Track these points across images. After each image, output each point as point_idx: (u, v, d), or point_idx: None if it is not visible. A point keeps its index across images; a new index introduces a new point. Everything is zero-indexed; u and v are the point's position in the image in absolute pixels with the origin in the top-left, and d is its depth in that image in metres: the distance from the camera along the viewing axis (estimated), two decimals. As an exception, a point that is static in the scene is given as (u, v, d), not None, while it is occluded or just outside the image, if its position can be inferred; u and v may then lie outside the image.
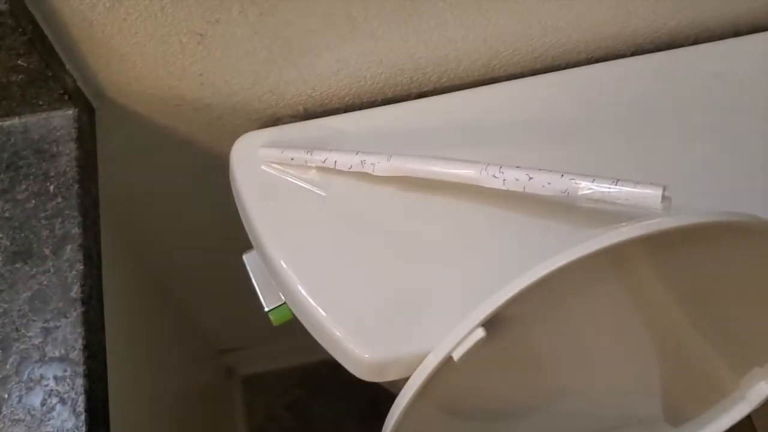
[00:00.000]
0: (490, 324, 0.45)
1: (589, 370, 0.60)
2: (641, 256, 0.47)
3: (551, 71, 0.58)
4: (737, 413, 0.68)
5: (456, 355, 0.46)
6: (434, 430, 0.59)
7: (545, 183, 0.44)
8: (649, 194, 0.40)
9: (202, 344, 1.05)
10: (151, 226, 0.74)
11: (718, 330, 0.60)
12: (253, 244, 0.56)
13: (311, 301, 0.51)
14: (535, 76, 0.58)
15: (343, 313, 0.50)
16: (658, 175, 0.43)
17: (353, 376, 0.54)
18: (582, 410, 0.66)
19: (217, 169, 0.58)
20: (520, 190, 0.45)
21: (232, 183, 0.56)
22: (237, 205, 0.56)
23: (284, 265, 0.52)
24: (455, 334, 0.45)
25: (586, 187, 0.42)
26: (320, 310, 0.50)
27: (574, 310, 0.50)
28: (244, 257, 0.59)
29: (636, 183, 0.41)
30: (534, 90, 0.58)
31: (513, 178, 0.45)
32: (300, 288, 0.51)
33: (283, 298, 0.57)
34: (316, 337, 0.52)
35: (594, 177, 0.42)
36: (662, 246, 0.45)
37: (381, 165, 0.49)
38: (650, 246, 0.45)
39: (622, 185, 0.41)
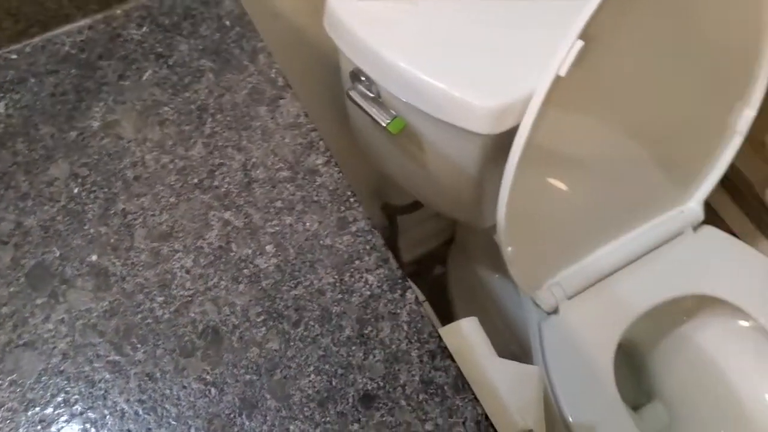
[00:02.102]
0: (586, 37, 0.60)
1: (638, 120, 0.76)
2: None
3: None
4: (733, 147, 0.87)
5: (563, 71, 0.61)
6: (539, 193, 0.73)
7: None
8: None
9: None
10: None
11: (706, 76, 0.78)
12: (364, 65, 0.69)
13: (435, 82, 0.65)
14: None
15: (460, 81, 0.65)
16: None
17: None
18: (632, 167, 0.82)
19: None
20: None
21: (333, 27, 0.69)
22: (344, 42, 0.69)
23: (405, 65, 0.66)
24: (560, 52, 0.61)
25: None
26: (442, 85, 0.65)
27: (630, 41, 0.66)
28: (350, 92, 0.72)
29: None
30: None
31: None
32: (422, 76, 0.65)
33: (393, 113, 0.70)
34: (441, 114, 0.66)
35: None
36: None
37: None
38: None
39: None
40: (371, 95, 0.71)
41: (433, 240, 1.36)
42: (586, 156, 0.74)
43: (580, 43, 0.60)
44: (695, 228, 0.93)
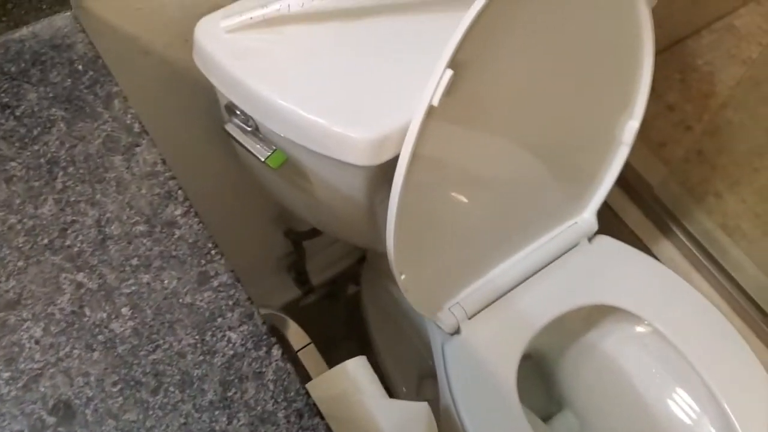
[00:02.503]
0: (455, 66, 0.60)
1: (524, 137, 0.76)
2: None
3: None
4: (620, 157, 0.88)
5: (435, 100, 0.60)
6: (425, 217, 0.72)
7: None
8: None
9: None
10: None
11: (588, 90, 0.79)
12: (237, 100, 0.67)
13: (311, 117, 0.63)
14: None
15: (337, 116, 0.63)
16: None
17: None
18: (523, 182, 0.83)
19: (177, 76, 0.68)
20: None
21: (202, 60, 0.67)
22: (214, 75, 0.67)
23: (280, 101, 0.64)
24: (430, 83, 0.60)
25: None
26: (320, 120, 0.63)
27: (504, 55, 0.65)
28: (226, 127, 0.70)
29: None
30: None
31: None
32: (299, 112, 0.63)
33: (272, 146, 0.68)
34: (319, 148, 0.64)
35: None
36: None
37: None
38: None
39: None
40: (248, 129, 0.69)
41: (346, 259, 1.34)
42: (475, 176, 0.74)
43: (449, 73, 0.59)
44: (590, 238, 0.94)
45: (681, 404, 0.93)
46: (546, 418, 1.07)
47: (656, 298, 0.91)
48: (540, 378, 1.07)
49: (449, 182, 0.73)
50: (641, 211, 1.32)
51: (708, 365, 0.87)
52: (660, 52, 1.52)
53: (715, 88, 1.50)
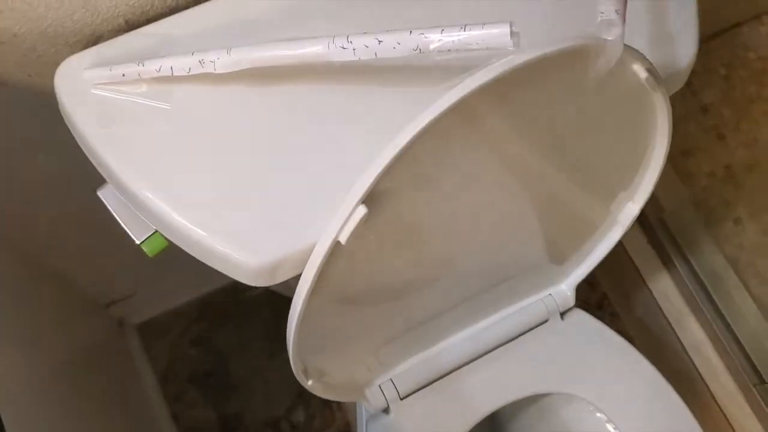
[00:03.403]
0: (370, 201, 0.44)
1: (474, 232, 0.61)
2: (490, 107, 0.47)
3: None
4: (613, 237, 0.73)
5: (343, 238, 0.45)
6: (336, 322, 0.59)
7: (395, 44, 0.42)
8: (497, 33, 0.39)
9: (84, 302, 1.00)
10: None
11: (580, 167, 0.62)
12: (106, 178, 0.52)
13: (187, 224, 0.48)
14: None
15: (220, 227, 0.48)
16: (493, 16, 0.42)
17: (250, 295, 0.52)
18: (475, 270, 0.68)
19: (47, 106, 0.53)
20: (372, 56, 0.43)
21: (64, 116, 0.51)
22: (77, 139, 0.51)
23: (149, 195, 0.48)
24: (338, 217, 0.44)
25: (436, 39, 0.41)
26: (198, 230, 0.48)
27: (443, 173, 0.50)
28: (99, 193, 0.55)
29: (483, 24, 0.40)
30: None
31: (362, 46, 0.43)
32: (172, 214, 0.48)
33: (153, 227, 0.53)
34: (199, 257, 0.50)
35: (441, 28, 0.41)
36: (509, 88, 0.45)
37: (222, 61, 0.46)
38: (497, 93, 0.45)
39: (471, 29, 0.40)
40: (125, 200, 0.54)
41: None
42: (415, 254, 0.59)
43: (362, 211, 0.43)
44: (563, 314, 0.80)
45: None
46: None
47: (620, 390, 0.79)
48: (490, 427, 0.96)
49: (375, 270, 0.58)
50: (645, 234, 1.17)
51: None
52: (706, 40, 1.29)
53: (764, 90, 1.28)
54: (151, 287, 1.07)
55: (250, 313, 1.13)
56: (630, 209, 0.69)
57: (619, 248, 1.15)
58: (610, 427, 0.79)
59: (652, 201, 1.15)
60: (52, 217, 0.78)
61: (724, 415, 1.10)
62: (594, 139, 0.59)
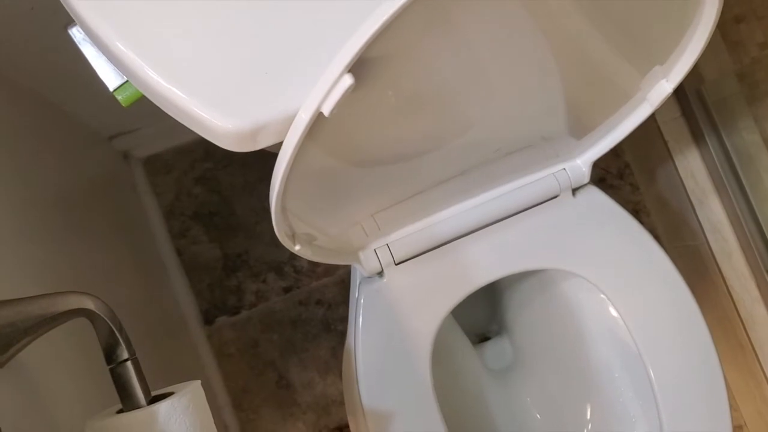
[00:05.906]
0: (357, 69, 0.38)
1: (483, 97, 0.56)
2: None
3: None
4: (639, 115, 0.67)
5: (326, 109, 0.40)
6: (326, 187, 0.55)
7: None
8: None
9: (85, 133, 0.96)
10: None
11: (618, 27, 0.55)
12: (75, 19, 0.46)
13: (161, 81, 0.43)
14: None
15: (197, 86, 0.43)
16: None
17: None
18: (483, 139, 0.63)
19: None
20: None
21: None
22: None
23: (121, 47, 0.43)
24: (320, 86, 0.39)
25: None
26: (174, 90, 0.43)
27: (453, 28, 0.44)
28: (70, 31, 0.49)
29: None
30: None
31: None
32: (146, 70, 0.43)
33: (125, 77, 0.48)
34: (177, 118, 0.45)
35: None
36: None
37: None
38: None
39: None
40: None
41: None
42: (412, 103, 0.54)
43: (347, 81, 0.38)
44: (575, 191, 0.75)
45: (619, 379, 0.82)
46: (482, 339, 0.98)
47: (627, 276, 0.75)
48: (485, 297, 0.95)
49: (366, 138, 0.54)
50: (678, 105, 1.09)
51: (658, 364, 0.74)
52: None
53: None
54: (154, 123, 1.03)
55: (256, 155, 1.09)
56: (662, 87, 0.62)
57: (648, 118, 1.09)
58: (612, 311, 0.76)
59: (692, 69, 1.06)
60: (43, 48, 0.73)
61: (731, 297, 1.08)
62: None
